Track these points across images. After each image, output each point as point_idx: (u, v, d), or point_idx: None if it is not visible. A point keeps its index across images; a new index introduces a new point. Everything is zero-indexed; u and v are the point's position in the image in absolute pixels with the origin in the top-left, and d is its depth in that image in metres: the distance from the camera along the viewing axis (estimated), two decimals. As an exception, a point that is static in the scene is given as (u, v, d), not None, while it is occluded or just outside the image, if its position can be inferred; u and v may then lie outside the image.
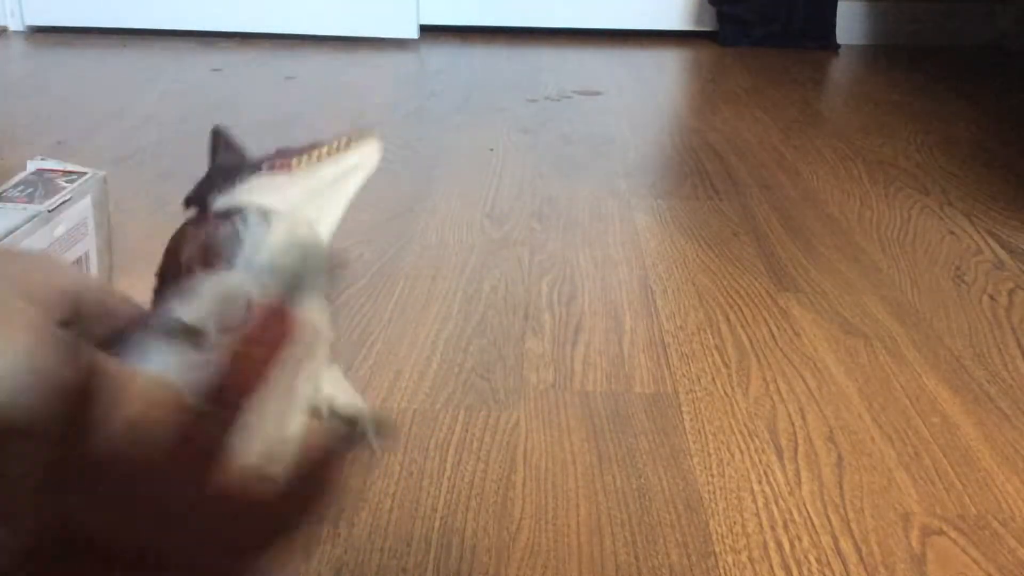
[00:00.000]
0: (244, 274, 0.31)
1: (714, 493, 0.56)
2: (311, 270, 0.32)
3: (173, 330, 0.29)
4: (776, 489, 0.57)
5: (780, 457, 0.60)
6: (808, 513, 0.55)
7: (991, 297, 0.84)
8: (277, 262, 0.32)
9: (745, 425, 0.63)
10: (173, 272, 0.32)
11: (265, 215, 0.33)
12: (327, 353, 0.31)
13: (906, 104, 1.58)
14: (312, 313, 0.30)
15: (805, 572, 0.50)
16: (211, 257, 0.31)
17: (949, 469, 0.59)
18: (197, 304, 0.30)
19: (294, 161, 0.34)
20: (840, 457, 0.60)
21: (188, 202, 0.34)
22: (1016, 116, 1.53)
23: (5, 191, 0.69)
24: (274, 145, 0.36)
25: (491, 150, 1.23)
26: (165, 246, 0.33)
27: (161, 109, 1.38)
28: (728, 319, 0.78)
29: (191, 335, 0.29)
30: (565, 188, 1.09)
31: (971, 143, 1.35)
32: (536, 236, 0.95)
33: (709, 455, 0.60)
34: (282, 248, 0.32)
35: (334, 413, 0.34)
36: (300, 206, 0.34)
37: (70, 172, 0.74)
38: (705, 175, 1.16)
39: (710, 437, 0.61)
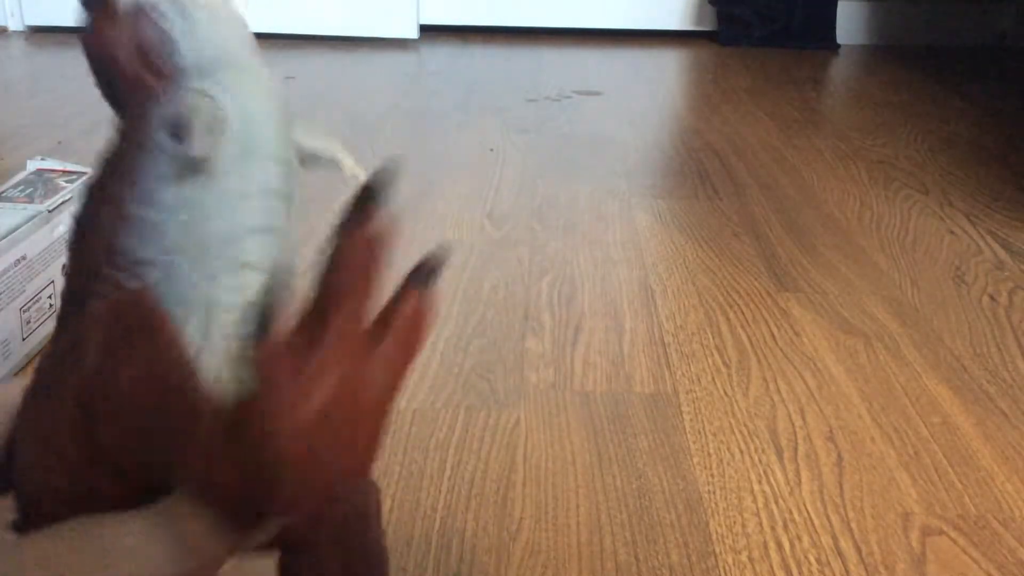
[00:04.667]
0: (206, 82, 0.31)
1: (714, 493, 0.56)
2: (245, 45, 0.33)
3: (183, 167, 0.30)
4: (776, 489, 0.57)
5: (780, 457, 0.60)
6: (808, 513, 0.55)
7: (991, 297, 0.84)
8: (219, 48, 0.32)
9: (745, 425, 0.63)
10: (117, 80, 0.32)
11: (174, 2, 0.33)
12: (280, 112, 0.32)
13: (906, 104, 1.58)
14: (249, 88, 0.31)
15: (805, 572, 0.50)
16: (154, 61, 0.32)
17: (949, 469, 0.59)
18: (191, 133, 0.30)
19: None
20: (840, 457, 0.60)
21: (87, 4, 0.33)
22: (1016, 116, 1.53)
23: (5, 191, 0.69)
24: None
25: (491, 150, 1.24)
26: (87, 54, 0.33)
27: (161, 109, 1.38)
28: (728, 319, 0.78)
29: (199, 165, 0.29)
30: (565, 188, 1.09)
31: (971, 143, 1.35)
32: (536, 236, 0.95)
33: (709, 455, 0.60)
34: (213, 32, 0.32)
35: (312, 157, 0.35)
36: None
37: (70, 172, 0.74)
38: (705, 175, 1.16)
39: (710, 437, 0.61)
